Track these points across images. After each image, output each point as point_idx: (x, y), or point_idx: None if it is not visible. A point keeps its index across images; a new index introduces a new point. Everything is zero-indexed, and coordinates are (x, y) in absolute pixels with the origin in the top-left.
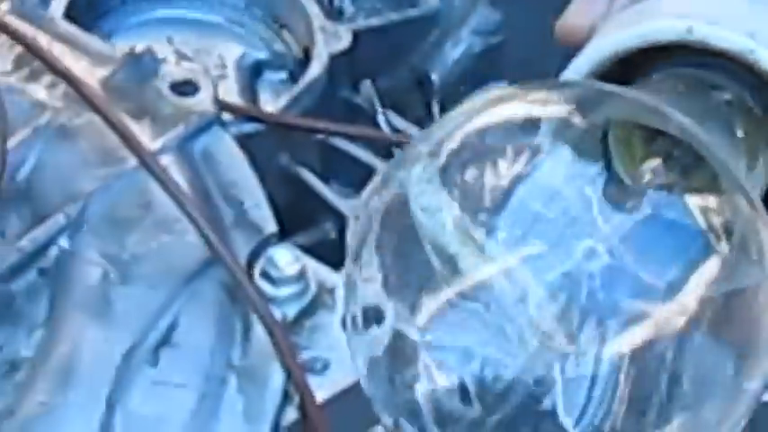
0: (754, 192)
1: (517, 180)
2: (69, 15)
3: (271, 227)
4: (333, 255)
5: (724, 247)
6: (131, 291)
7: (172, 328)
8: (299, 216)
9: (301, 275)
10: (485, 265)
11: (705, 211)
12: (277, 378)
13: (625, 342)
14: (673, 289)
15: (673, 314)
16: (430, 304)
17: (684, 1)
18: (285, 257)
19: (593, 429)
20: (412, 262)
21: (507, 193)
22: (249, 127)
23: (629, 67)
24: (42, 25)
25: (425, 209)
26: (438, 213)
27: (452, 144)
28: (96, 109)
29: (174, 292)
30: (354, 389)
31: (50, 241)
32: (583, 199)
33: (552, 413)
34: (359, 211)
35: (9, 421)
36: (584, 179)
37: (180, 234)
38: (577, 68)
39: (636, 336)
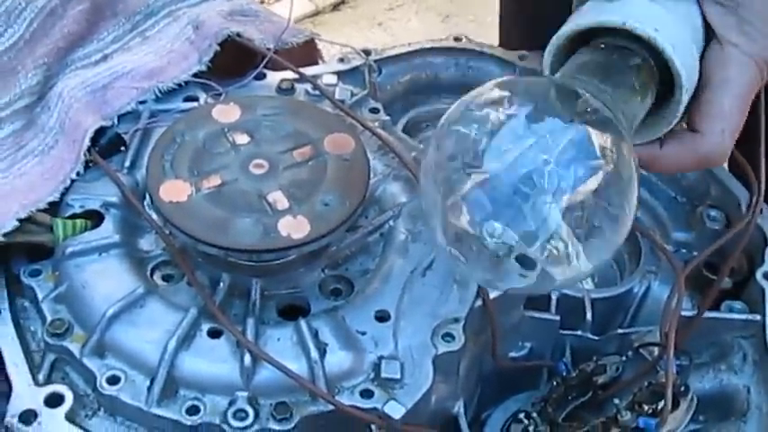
0: (642, 111)
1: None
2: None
3: None
4: None
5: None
6: (416, 245)
7: (432, 260)
8: None
9: None
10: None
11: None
12: (475, 286)
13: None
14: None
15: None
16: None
17: (620, 6)
18: None
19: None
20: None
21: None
22: None
23: (587, 36)
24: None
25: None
26: None
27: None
28: (405, 164)
29: (431, 244)
30: (504, 295)
31: (386, 221)
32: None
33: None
34: None
35: (362, 295)
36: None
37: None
38: (561, 33)
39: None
